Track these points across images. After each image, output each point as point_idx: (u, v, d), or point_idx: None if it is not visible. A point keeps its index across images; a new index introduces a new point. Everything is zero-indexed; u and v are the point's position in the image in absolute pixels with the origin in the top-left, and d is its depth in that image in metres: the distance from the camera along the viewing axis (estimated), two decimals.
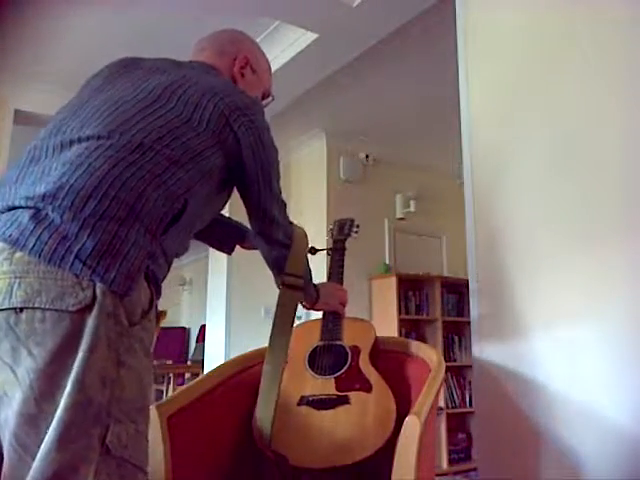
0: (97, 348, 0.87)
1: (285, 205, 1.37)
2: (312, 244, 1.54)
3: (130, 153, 1.01)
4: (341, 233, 1.98)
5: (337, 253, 1.91)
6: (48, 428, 0.84)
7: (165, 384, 5.68)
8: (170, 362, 6.19)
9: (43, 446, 0.83)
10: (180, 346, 7.72)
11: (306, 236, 1.50)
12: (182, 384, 5.64)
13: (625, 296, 1.55)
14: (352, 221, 2.03)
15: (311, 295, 1.57)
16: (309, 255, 1.62)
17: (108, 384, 0.88)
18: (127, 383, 0.91)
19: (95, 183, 0.96)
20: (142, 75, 1.18)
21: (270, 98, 1.50)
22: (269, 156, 1.24)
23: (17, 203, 0.96)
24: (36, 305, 0.87)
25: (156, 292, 1.04)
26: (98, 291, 0.89)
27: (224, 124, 1.14)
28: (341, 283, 1.83)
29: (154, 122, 1.07)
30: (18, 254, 0.90)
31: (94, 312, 0.88)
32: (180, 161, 1.06)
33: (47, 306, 0.87)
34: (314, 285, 1.58)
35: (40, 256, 0.89)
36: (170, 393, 5.28)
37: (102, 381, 0.87)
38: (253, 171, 1.22)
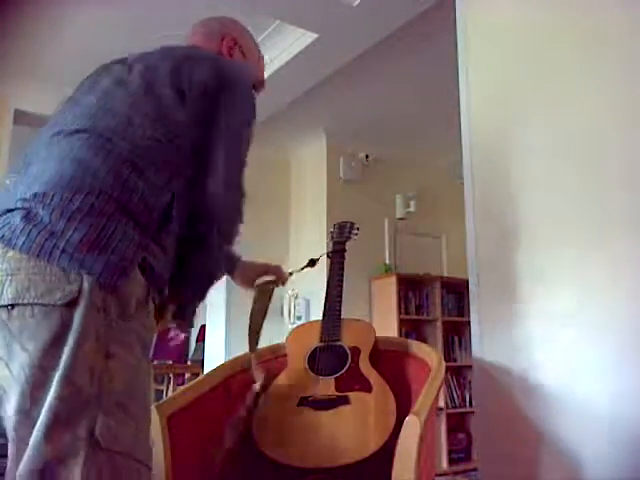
0: (85, 341, 0.88)
1: (244, 166, 1.23)
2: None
3: (106, 141, 1.03)
4: (341, 236, 2.01)
5: (337, 255, 1.94)
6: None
7: (165, 384, 5.67)
8: (170, 362, 6.18)
9: (33, 436, 0.84)
10: (180, 346, 7.71)
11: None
12: (182, 384, 5.63)
13: (625, 296, 1.55)
14: (352, 224, 2.06)
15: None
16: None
17: (96, 374, 0.89)
18: (116, 374, 0.91)
19: (80, 177, 0.98)
20: (124, 69, 1.20)
21: (263, 88, 1.49)
22: (242, 95, 1.21)
23: (12, 206, 0.98)
24: (25, 301, 0.89)
25: (154, 285, 1.04)
26: (85, 284, 0.90)
27: (190, 83, 1.13)
28: (341, 285, 1.84)
29: (126, 110, 1.08)
30: (10, 253, 0.92)
31: (81, 305, 0.89)
32: (157, 140, 1.06)
33: (36, 301, 0.89)
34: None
35: (29, 253, 0.91)
36: (170, 393, 5.27)
37: (90, 372, 0.88)
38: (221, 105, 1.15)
